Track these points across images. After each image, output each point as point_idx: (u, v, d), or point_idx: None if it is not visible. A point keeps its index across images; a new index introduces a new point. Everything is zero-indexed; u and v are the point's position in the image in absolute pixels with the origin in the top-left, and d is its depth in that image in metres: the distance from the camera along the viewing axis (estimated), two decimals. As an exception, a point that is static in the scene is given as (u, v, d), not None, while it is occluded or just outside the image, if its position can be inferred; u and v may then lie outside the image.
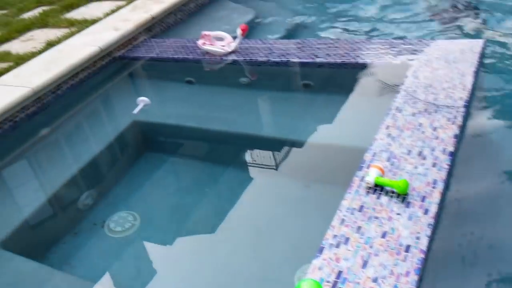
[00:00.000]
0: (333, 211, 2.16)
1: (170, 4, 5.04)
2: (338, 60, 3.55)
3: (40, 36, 4.96)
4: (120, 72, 4.48)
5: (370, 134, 2.73)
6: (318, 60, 3.62)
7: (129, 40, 4.62)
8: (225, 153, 3.60)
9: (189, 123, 3.77)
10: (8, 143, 3.57)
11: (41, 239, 2.96)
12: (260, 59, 3.89)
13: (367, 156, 2.46)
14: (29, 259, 2.67)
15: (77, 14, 5.41)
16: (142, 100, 3.67)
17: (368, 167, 2.35)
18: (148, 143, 3.91)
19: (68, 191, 3.31)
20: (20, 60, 4.27)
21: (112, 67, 4.44)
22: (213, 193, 3.17)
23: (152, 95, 4.09)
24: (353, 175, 2.37)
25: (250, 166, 3.38)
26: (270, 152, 3.41)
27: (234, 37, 4.08)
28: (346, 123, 3.29)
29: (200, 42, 4.19)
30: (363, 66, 3.46)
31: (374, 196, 2.21)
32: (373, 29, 4.72)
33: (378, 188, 2.24)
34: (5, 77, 3.95)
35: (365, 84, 3.48)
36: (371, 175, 2.25)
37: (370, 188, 2.24)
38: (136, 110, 3.62)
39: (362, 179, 2.30)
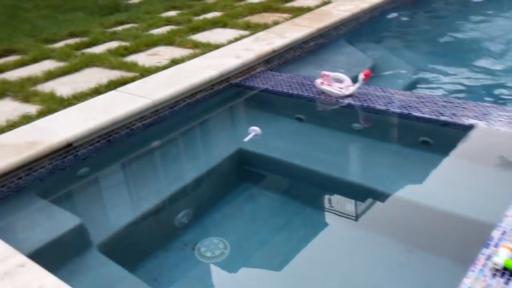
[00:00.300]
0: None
1: (291, 40, 5.08)
2: (466, 122, 3.30)
3: (165, 52, 5.20)
4: (234, 99, 4.55)
5: (497, 209, 2.46)
6: (442, 118, 3.40)
7: (248, 69, 4.69)
8: (324, 196, 3.45)
9: (292, 160, 3.68)
10: (121, 148, 3.71)
11: (134, 249, 2.99)
12: (378, 107, 3.74)
13: (496, 234, 2.20)
14: (121, 266, 2.68)
15: (202, 37, 5.63)
16: (254, 130, 3.66)
17: (497, 246, 2.09)
18: (248, 173, 3.87)
19: (167, 206, 3.33)
20: (145, 72, 4.49)
21: (228, 92, 4.51)
22: (305, 235, 3.03)
23: (261, 126, 4.08)
24: (471, 250, 2.13)
25: (346, 216, 3.20)
26: (371, 205, 3.21)
27: (353, 81, 3.98)
28: (466, 190, 3.01)
29: (318, 81, 4.13)
30: (494, 133, 3.18)
31: (502, 280, 1.94)
32: (502, 94, 4.38)
33: (507, 272, 1.97)
34: (130, 85, 4.15)
35: (493, 152, 3.19)
36: (501, 256, 2.00)
37: (498, 270, 1.99)
38: (247, 139, 3.61)
39: (489, 258, 2.05)
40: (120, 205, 3.33)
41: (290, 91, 4.27)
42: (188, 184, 3.50)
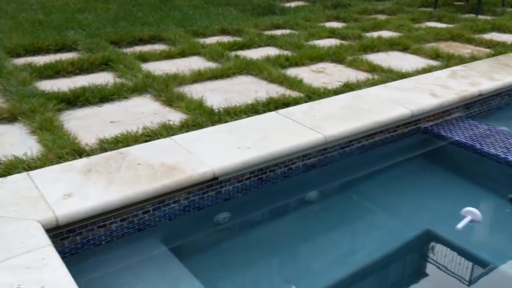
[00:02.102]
0: None
1: (503, 84, 3.85)
2: None
3: (333, 71, 4.24)
4: (421, 148, 3.45)
5: None
6: None
7: (442, 113, 3.56)
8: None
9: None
10: (273, 191, 2.80)
11: None
12: None
13: None
14: None
15: (377, 59, 4.59)
16: (471, 213, 2.53)
17: None
18: (427, 267, 2.74)
19: None
20: (312, 94, 3.55)
21: (413, 139, 3.43)
22: None
23: (456, 198, 2.95)
24: None
25: None
26: None
27: None
28: None
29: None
30: None
31: None
32: None
33: None
34: (294, 109, 3.24)
35: None
36: None
37: None
38: (461, 225, 2.50)
39: None
40: (272, 276, 2.40)
41: (507, 156, 3.07)
42: (359, 270, 2.48)
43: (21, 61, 4.14)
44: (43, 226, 2.05)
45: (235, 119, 3.10)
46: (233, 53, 4.61)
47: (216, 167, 2.52)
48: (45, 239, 1.94)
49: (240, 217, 2.71)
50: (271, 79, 3.90)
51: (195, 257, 2.44)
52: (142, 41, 5.03)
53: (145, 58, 4.41)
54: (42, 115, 2.98)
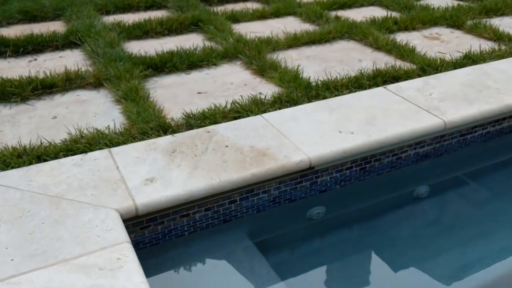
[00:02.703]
0: None
1: None
2: None
3: (450, 38, 3.65)
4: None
5: None
6: None
7: None
8: None
9: None
10: (376, 183, 2.42)
11: None
12: None
13: None
14: None
15: (502, 24, 3.90)
16: None
17: None
18: None
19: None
20: (426, 66, 3.04)
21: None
22: None
23: None
24: None
25: None
26: None
27: None
28: None
29: None
30: None
31: None
32: None
33: None
34: (406, 85, 2.77)
35: None
36: None
37: None
38: None
39: None
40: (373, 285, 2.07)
41: None
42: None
43: (110, 19, 3.99)
44: (121, 215, 1.85)
45: (335, 95, 2.71)
46: (333, 14, 4.14)
47: (313, 156, 2.18)
48: (123, 234, 1.74)
49: (337, 212, 2.37)
50: (377, 46, 3.41)
51: (282, 255, 2.16)
52: (234, -1, 4.70)
53: (236, 18, 4.08)
54: (128, 82, 2.78)
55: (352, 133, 2.33)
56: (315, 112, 2.53)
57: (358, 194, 2.39)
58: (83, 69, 3.02)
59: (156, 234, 2.04)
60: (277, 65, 3.05)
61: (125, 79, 2.83)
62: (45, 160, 2.17)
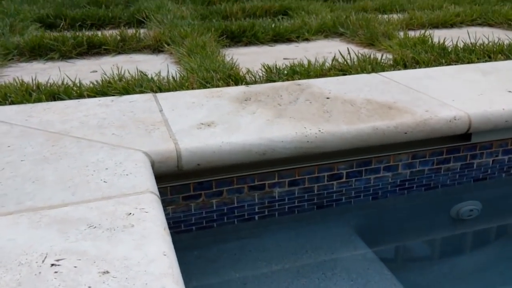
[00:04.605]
0: None
1: None
2: None
3: None
4: None
5: None
6: None
7: None
8: None
9: None
10: None
11: None
12: None
13: None
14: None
15: None
16: None
17: None
18: None
19: None
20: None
21: None
22: None
23: None
24: None
25: None
26: None
27: None
28: None
29: None
30: None
31: None
32: None
33: None
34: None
35: None
36: None
37: None
38: None
39: None
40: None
41: None
42: None
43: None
44: (152, 163, 1.09)
45: (485, 61, 1.86)
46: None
47: (473, 113, 1.32)
48: (147, 181, 0.96)
49: (500, 212, 1.45)
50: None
51: (414, 272, 1.26)
52: None
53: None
54: (194, 41, 2.11)
55: (530, 93, 1.46)
56: (461, 73, 1.69)
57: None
58: (142, 32, 2.41)
59: (209, 211, 1.24)
60: (391, 33, 2.27)
61: (191, 37, 2.17)
62: (61, 100, 1.49)
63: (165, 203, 1.19)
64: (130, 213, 0.85)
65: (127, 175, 0.99)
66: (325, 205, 1.32)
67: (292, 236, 1.29)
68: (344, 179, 1.32)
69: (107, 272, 0.70)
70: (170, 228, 1.17)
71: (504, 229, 1.41)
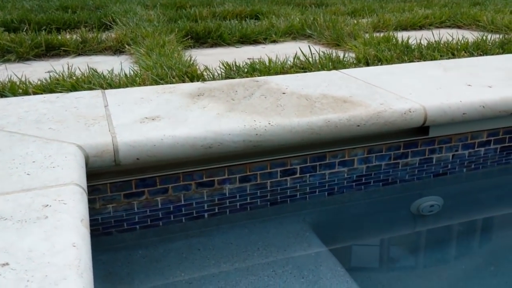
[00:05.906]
0: None
1: None
2: None
3: None
4: None
5: None
6: None
7: None
8: None
9: None
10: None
11: None
12: None
13: None
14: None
15: None
16: None
17: None
18: None
19: None
20: None
21: None
22: None
23: None
24: None
25: None
26: None
27: None
28: None
29: None
30: None
31: None
32: None
33: None
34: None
35: None
36: None
37: None
38: None
39: None
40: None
41: None
42: None
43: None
44: (86, 157, 1.03)
45: (448, 58, 1.84)
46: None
47: (429, 105, 1.29)
48: (73, 174, 0.90)
49: (461, 208, 1.40)
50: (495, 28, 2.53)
51: (372, 269, 1.21)
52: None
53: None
54: (154, 40, 2.06)
55: (490, 86, 1.43)
56: (422, 69, 1.66)
57: (498, 184, 1.43)
58: (106, 35, 2.35)
59: (154, 209, 1.18)
60: (357, 34, 2.24)
61: (152, 37, 2.12)
62: (6, 97, 1.42)
63: (105, 201, 1.13)
64: (47, 205, 0.78)
65: (53, 167, 0.92)
66: (279, 201, 1.27)
67: (244, 234, 1.23)
68: (298, 175, 1.27)
69: (7, 264, 0.63)
70: (111, 227, 1.11)
71: (465, 225, 1.37)
